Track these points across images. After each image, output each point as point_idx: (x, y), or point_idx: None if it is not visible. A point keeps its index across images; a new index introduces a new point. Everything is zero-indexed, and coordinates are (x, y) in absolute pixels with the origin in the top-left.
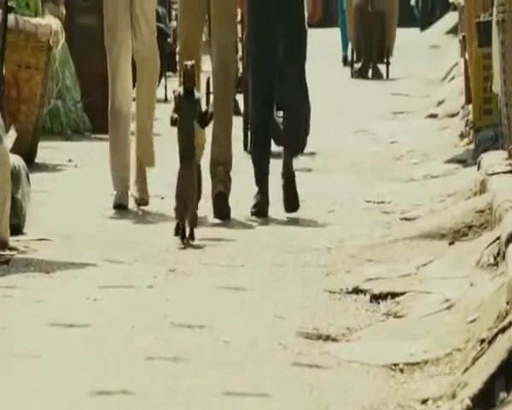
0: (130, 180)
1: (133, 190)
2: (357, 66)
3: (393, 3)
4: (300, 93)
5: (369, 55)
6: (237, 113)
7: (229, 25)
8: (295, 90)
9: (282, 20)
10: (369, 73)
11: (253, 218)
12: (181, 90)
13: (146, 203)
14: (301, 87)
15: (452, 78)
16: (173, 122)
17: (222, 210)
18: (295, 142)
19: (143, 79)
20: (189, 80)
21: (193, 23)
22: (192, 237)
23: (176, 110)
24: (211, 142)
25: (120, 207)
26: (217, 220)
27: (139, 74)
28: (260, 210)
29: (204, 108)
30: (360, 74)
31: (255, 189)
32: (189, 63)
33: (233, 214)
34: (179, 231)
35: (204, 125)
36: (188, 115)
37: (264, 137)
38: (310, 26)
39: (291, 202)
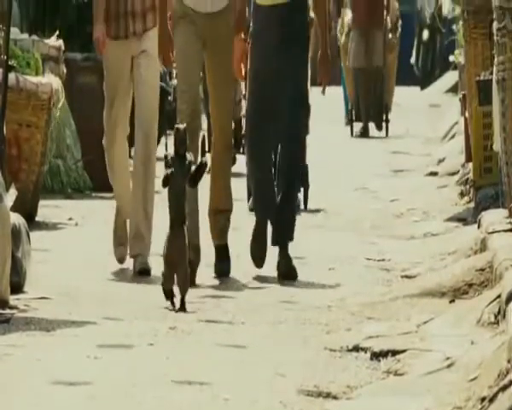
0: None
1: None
2: (357, 125)
3: (392, 61)
4: (297, 175)
5: (369, 115)
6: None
7: (227, 83)
8: (292, 171)
9: (284, 96)
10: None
11: (253, 275)
12: (172, 153)
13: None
14: (298, 168)
15: (452, 136)
16: (165, 183)
17: (222, 264)
18: (289, 229)
19: (140, 143)
20: (181, 144)
21: (191, 74)
22: (183, 307)
23: (167, 175)
24: (209, 192)
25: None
26: (217, 280)
27: (137, 137)
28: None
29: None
30: (362, 135)
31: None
32: (180, 126)
33: (234, 271)
34: (169, 297)
35: (195, 183)
36: (180, 180)
37: (267, 199)
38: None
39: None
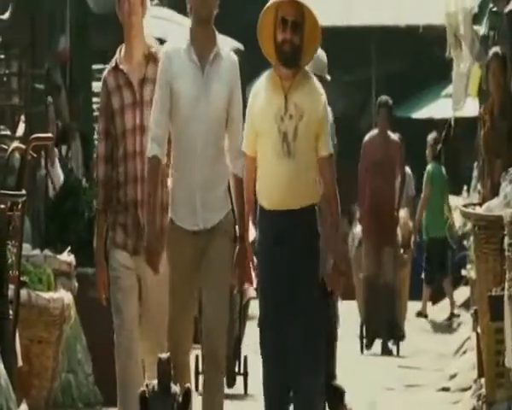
0: None
1: None
2: (367, 341)
3: (404, 277)
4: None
5: (378, 331)
6: None
7: (221, 305)
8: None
9: (294, 318)
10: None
11: None
12: (155, 384)
13: None
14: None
15: (465, 352)
16: (142, 405)
17: None
18: None
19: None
20: (164, 374)
21: (182, 302)
22: None
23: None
24: None
25: None
26: None
27: (146, 363)
28: None
29: (180, 395)
30: (369, 348)
31: None
32: (163, 356)
33: None
34: None
35: None
36: None
37: None
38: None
39: None
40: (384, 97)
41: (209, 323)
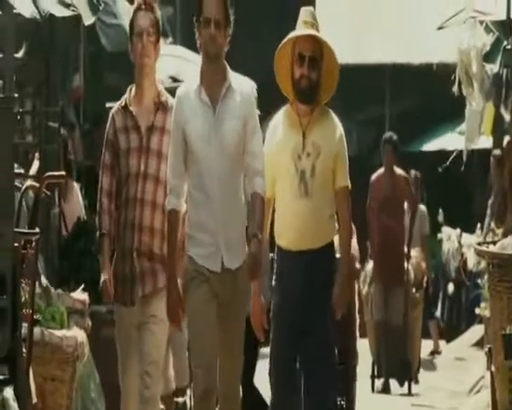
0: None
1: None
2: (379, 382)
3: (416, 317)
4: None
5: (391, 371)
6: None
7: (237, 352)
8: None
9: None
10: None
11: None
12: None
13: None
14: None
15: (479, 390)
16: None
17: None
18: None
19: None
20: None
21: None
22: None
23: None
24: None
25: None
26: None
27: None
28: None
29: None
30: (383, 391)
31: None
32: (180, 400)
33: None
34: None
35: None
36: None
37: None
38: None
39: None
40: (388, 133)
41: (225, 369)
